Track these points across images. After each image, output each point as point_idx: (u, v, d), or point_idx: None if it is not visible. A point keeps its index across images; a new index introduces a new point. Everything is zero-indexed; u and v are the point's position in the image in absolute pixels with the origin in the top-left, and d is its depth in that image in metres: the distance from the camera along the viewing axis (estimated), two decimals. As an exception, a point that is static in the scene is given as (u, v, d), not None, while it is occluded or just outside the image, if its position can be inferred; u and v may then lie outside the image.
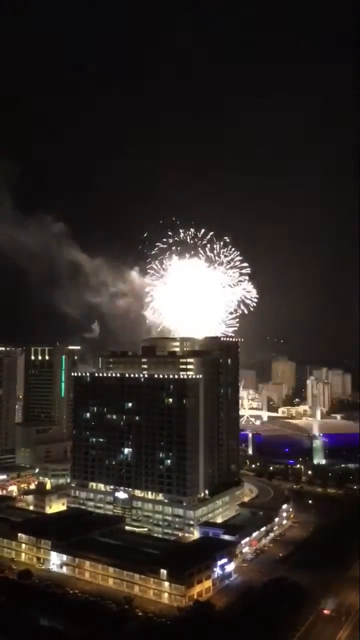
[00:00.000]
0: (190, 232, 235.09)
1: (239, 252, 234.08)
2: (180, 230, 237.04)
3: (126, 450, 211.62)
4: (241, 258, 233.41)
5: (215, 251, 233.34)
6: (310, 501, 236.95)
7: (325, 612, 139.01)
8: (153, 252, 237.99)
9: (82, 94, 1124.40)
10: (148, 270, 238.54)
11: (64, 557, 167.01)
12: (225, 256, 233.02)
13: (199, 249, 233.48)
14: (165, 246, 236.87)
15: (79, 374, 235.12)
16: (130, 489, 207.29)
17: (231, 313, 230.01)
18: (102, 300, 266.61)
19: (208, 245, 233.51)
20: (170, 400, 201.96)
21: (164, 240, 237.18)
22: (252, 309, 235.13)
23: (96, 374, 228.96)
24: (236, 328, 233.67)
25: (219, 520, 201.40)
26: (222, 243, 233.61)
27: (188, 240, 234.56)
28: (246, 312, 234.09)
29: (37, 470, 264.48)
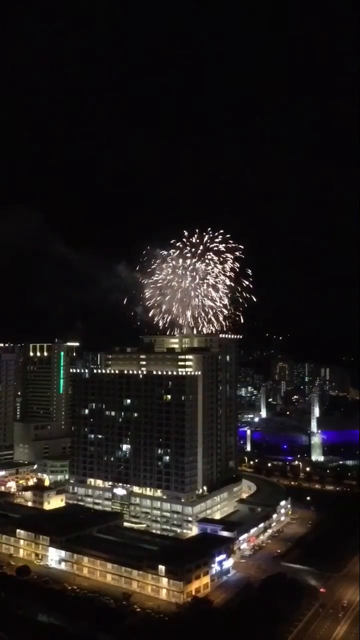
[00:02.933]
0: (186, 230, 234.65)
1: (236, 248, 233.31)
2: (178, 228, 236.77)
3: (124, 447, 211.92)
4: (238, 254, 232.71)
5: (209, 245, 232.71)
6: (308, 498, 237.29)
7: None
8: (149, 249, 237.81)
9: (81, 90, 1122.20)
10: (142, 267, 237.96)
11: (63, 553, 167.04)
12: (222, 252, 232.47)
13: (195, 245, 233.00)
14: (161, 245, 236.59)
15: (78, 371, 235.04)
16: (128, 486, 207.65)
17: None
18: (92, 297, 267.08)
19: (204, 242, 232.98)
20: (169, 396, 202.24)
21: (159, 236, 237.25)
22: (252, 305, 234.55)
23: (95, 371, 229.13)
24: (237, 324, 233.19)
25: (217, 516, 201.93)
26: (217, 238, 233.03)
27: (183, 238, 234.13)
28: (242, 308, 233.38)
29: (35, 466, 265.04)
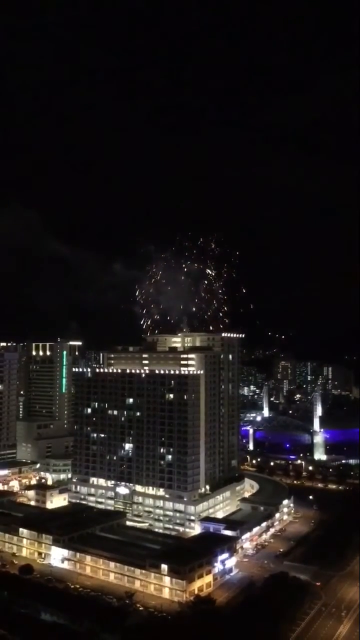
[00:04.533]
0: (183, 232, 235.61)
1: (233, 253, 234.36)
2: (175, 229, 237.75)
3: (127, 446, 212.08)
4: (234, 260, 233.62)
5: (207, 248, 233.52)
6: (311, 496, 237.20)
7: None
8: (149, 250, 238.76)
9: (82, 91, 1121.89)
10: (142, 268, 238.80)
11: (65, 552, 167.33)
12: (221, 252, 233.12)
13: (192, 247, 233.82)
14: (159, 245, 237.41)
15: (80, 370, 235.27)
16: (131, 484, 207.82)
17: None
18: (94, 296, 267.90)
19: (201, 243, 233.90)
20: (171, 395, 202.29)
21: (159, 238, 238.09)
22: (249, 306, 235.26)
23: (97, 370, 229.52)
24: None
25: (220, 515, 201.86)
26: (215, 240, 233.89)
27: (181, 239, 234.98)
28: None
29: (38, 465, 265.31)
